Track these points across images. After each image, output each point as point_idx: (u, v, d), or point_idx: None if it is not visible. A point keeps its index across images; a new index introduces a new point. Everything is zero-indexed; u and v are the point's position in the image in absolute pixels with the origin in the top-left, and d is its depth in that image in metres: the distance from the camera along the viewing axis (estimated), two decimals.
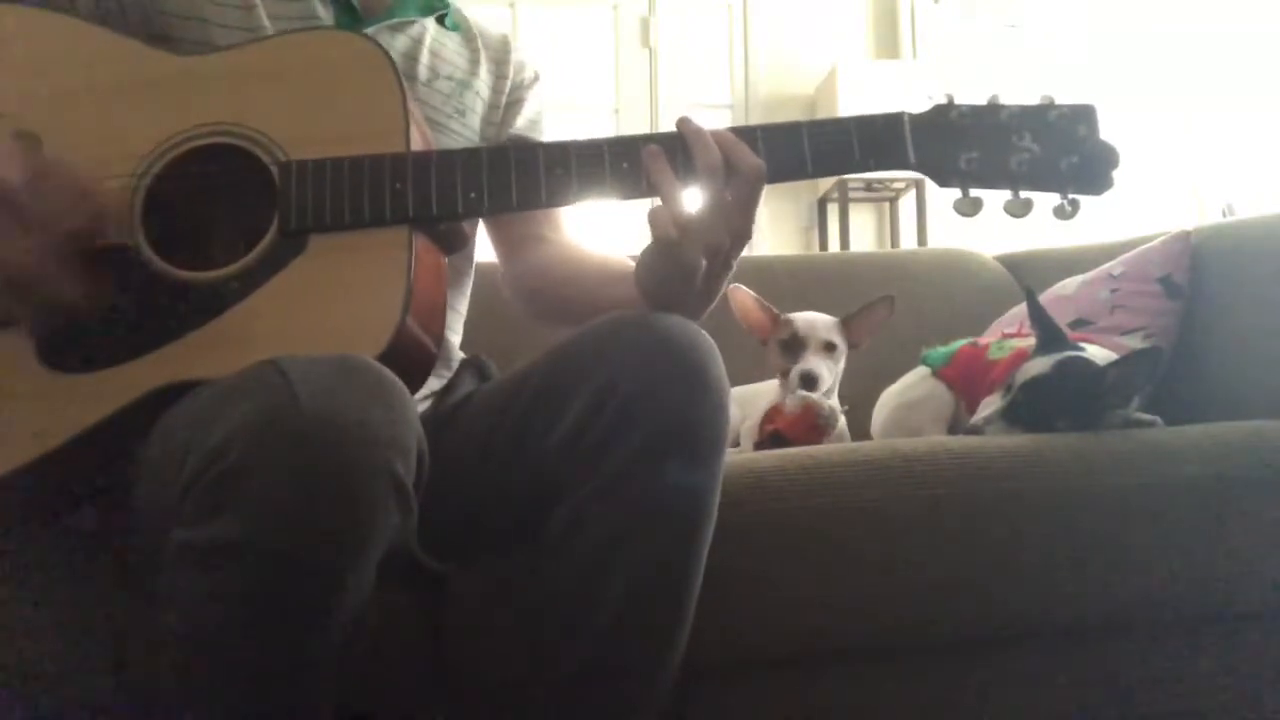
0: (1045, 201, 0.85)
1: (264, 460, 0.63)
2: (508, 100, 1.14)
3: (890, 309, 1.38)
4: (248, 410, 0.64)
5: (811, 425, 1.30)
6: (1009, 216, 0.86)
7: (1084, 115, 0.85)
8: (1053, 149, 0.84)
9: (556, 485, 0.81)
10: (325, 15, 0.99)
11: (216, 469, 0.63)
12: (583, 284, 1.05)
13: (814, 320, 1.37)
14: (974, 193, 0.86)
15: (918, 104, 0.86)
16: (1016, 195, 0.85)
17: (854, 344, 1.39)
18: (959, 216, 0.88)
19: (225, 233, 0.88)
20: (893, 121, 0.85)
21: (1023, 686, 1.06)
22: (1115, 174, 0.84)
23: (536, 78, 1.17)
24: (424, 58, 1.05)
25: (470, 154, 0.85)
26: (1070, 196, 0.84)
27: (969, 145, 0.85)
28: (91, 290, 0.79)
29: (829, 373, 1.34)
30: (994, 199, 0.86)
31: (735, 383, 1.50)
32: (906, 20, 4.18)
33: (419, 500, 0.71)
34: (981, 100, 0.87)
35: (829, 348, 1.35)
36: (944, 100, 0.87)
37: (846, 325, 1.38)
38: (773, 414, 1.35)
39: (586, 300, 1.02)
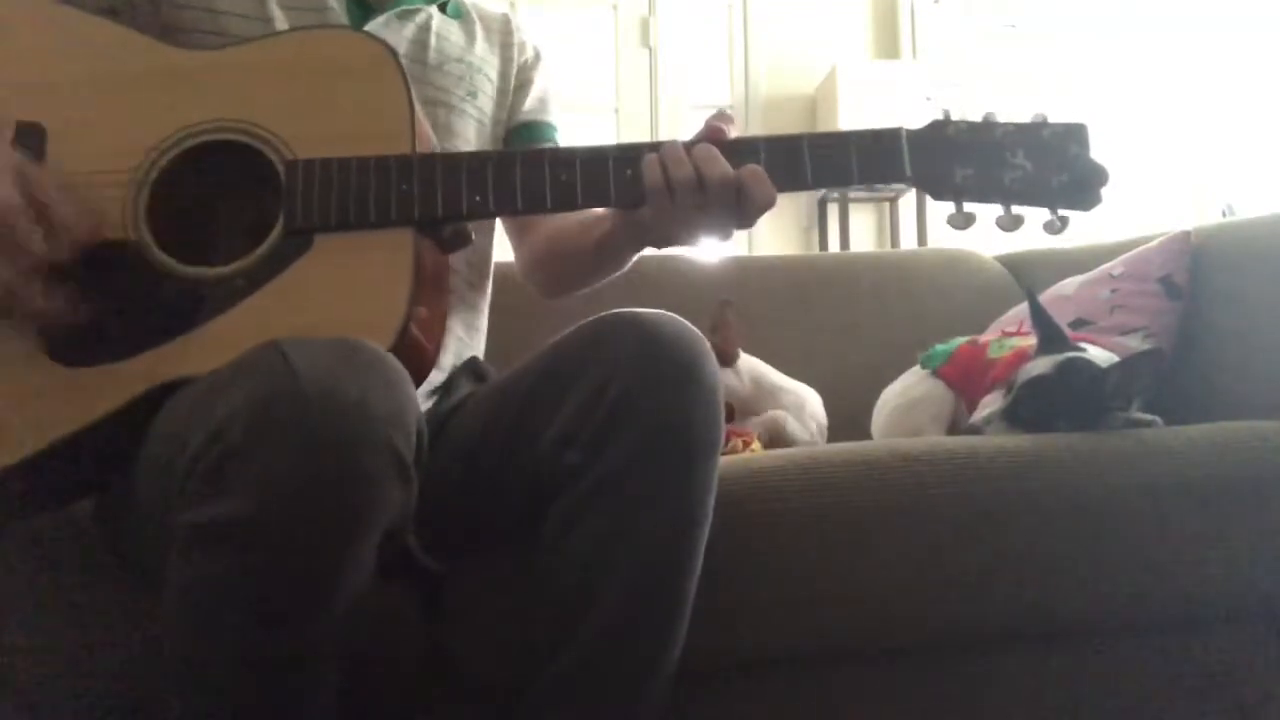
0: (1035, 216, 0.87)
1: (265, 438, 0.63)
2: (516, 83, 1.16)
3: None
4: (248, 390, 0.65)
5: None
6: (1000, 231, 0.87)
7: (1075, 134, 0.86)
8: (1045, 166, 0.86)
9: (552, 485, 0.81)
10: (335, 4, 1.00)
11: (218, 448, 0.63)
12: (575, 238, 1.07)
13: None
14: (968, 207, 0.87)
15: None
16: (1008, 210, 0.87)
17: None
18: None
19: (228, 230, 0.88)
20: (891, 136, 0.86)
21: (1022, 686, 1.06)
22: (1104, 191, 0.86)
23: (539, 55, 1.20)
24: (433, 42, 1.08)
25: (475, 157, 0.86)
26: (1060, 213, 0.86)
27: (964, 161, 0.87)
28: (75, 304, 0.79)
29: None
30: (986, 212, 0.87)
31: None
32: (906, 20, 4.18)
33: (418, 488, 0.71)
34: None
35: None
36: (941, 113, 0.88)
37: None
38: None
39: (578, 249, 1.05)
